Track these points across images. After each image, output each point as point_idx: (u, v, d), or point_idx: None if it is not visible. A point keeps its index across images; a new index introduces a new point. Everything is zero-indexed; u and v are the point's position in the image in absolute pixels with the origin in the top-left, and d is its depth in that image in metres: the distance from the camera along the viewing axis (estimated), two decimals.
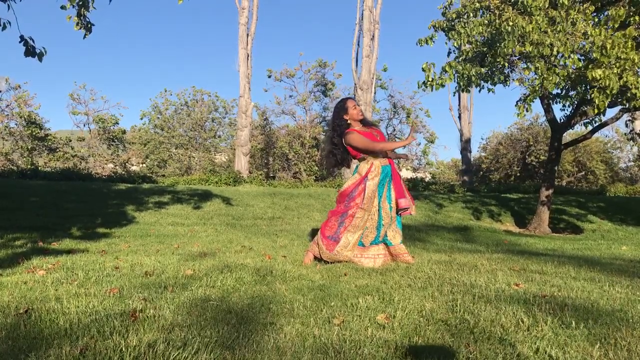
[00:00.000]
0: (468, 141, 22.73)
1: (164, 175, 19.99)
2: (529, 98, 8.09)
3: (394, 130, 26.11)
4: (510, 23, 7.23)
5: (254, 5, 18.18)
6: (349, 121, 4.14)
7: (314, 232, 6.13)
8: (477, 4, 8.27)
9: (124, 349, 1.80)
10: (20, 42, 5.12)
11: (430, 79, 8.28)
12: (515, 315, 2.29)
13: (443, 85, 8.41)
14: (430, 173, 26.80)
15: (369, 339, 2.00)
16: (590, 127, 10.66)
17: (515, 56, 8.40)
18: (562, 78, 7.49)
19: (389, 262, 4.13)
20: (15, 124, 18.66)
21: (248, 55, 17.84)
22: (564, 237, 9.54)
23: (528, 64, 7.96)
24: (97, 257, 4.21)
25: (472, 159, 24.16)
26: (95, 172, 17.41)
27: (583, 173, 23.71)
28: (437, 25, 9.07)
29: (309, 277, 3.34)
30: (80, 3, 5.83)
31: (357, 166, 4.17)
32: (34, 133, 18.35)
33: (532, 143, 23.65)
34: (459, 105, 22.92)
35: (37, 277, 3.12)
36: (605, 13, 7.92)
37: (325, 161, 4.34)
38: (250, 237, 6.76)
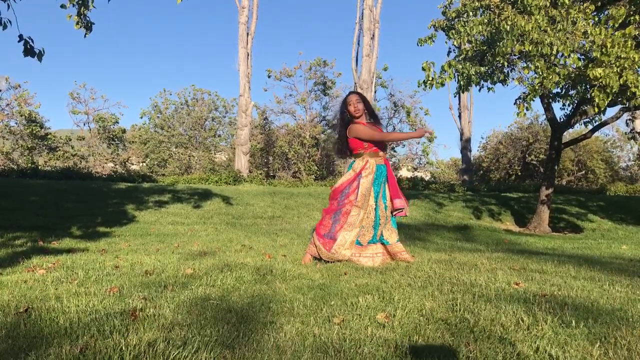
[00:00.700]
0: (468, 140, 22.73)
1: (164, 175, 19.98)
2: (528, 97, 8.09)
3: (394, 129, 26.10)
4: (509, 22, 7.22)
5: (254, 5, 18.17)
6: (350, 115, 4.18)
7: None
8: (477, 3, 8.26)
9: (124, 348, 1.80)
10: (19, 41, 5.12)
11: (430, 78, 8.28)
12: (515, 315, 2.29)
13: (443, 85, 8.41)
14: (430, 172, 26.80)
15: (369, 338, 2.00)
16: (590, 126, 10.67)
17: (515, 55, 8.40)
18: (562, 77, 7.48)
19: (388, 261, 4.13)
20: (16, 123, 18.65)
21: (248, 55, 17.83)
22: (564, 236, 9.54)
23: (528, 63, 7.95)
24: (97, 256, 4.21)
25: (472, 158, 24.16)
26: (95, 171, 17.41)
27: (583, 172, 23.70)
28: (437, 25, 9.07)
29: (309, 276, 3.34)
30: (80, 2, 5.83)
31: (351, 163, 4.19)
32: (34, 132, 18.34)
33: (532, 142, 23.65)
34: (459, 104, 22.91)
35: (37, 276, 3.12)
36: (606, 12, 7.92)
37: (336, 148, 4.40)
38: (250, 236, 6.77)
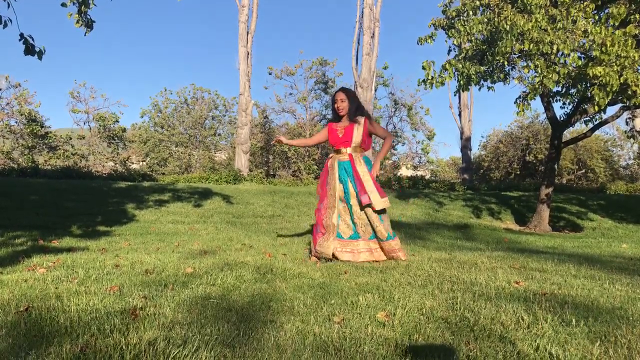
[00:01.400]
0: (468, 139, 22.73)
1: (164, 174, 19.98)
2: (528, 96, 8.08)
3: (395, 128, 26.11)
4: (509, 21, 7.22)
5: (254, 3, 18.16)
6: (337, 114, 4.35)
7: None
8: (477, 2, 8.26)
9: (124, 347, 1.80)
10: (20, 40, 5.12)
11: (430, 77, 8.27)
12: (516, 313, 2.29)
13: (443, 84, 8.39)
14: (430, 171, 26.80)
15: (369, 337, 2.00)
16: (590, 125, 10.66)
17: (515, 54, 8.39)
18: (562, 76, 7.48)
19: (377, 259, 4.12)
20: (16, 122, 18.65)
21: (248, 53, 17.82)
22: (564, 235, 9.54)
23: (528, 62, 7.95)
24: (98, 255, 4.21)
25: (472, 157, 24.16)
26: (95, 171, 17.40)
27: (583, 171, 23.70)
28: (437, 24, 9.06)
29: (309, 275, 3.34)
30: (81, 0, 5.83)
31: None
32: (34, 131, 18.34)
33: (532, 141, 23.64)
34: (459, 103, 22.91)
35: (37, 275, 3.12)
36: (606, 11, 7.91)
37: None
38: (251, 235, 6.77)
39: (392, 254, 4.15)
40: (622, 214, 11.27)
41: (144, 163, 23.75)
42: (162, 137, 24.47)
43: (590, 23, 7.32)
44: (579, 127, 19.22)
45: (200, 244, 5.39)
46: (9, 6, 5.23)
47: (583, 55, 7.86)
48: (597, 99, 7.15)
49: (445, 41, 9.04)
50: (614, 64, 7.00)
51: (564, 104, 9.67)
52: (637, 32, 7.36)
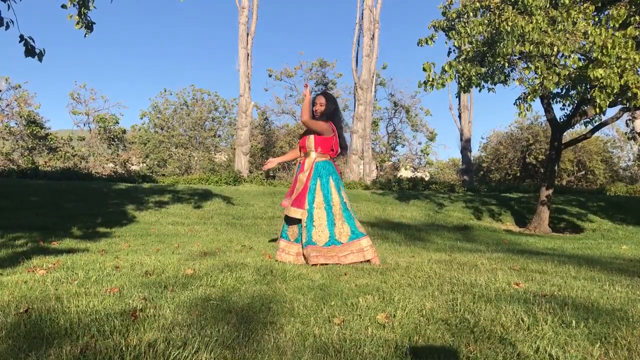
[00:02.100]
0: (468, 141, 22.73)
1: (164, 175, 19.99)
2: (529, 97, 8.09)
3: (395, 129, 26.14)
4: (510, 23, 7.22)
5: (254, 5, 18.18)
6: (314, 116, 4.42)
7: None
8: (477, 4, 8.26)
9: (124, 349, 1.80)
10: (20, 41, 5.12)
11: (430, 79, 8.27)
12: (516, 315, 2.29)
13: (444, 85, 8.40)
14: (429, 172, 26.82)
15: (369, 339, 2.00)
16: (590, 127, 10.66)
17: (515, 56, 8.40)
18: (562, 77, 7.48)
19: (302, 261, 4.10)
20: (16, 124, 18.66)
21: (248, 55, 17.84)
22: (564, 236, 9.53)
23: (528, 63, 7.96)
24: (97, 256, 4.21)
25: (472, 159, 24.16)
26: (95, 172, 17.41)
27: (583, 172, 23.70)
28: (437, 25, 9.07)
29: (309, 276, 3.34)
30: (81, 2, 5.84)
31: None
32: (34, 132, 18.35)
33: (532, 142, 23.64)
34: (459, 104, 22.91)
35: (37, 276, 3.12)
36: (606, 12, 7.92)
37: None
38: (251, 237, 6.77)
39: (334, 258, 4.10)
40: (622, 215, 11.26)
41: (144, 164, 23.75)
42: (162, 139, 24.48)
43: (591, 25, 7.33)
44: (579, 129, 19.20)
45: (200, 245, 5.39)
46: (9, 8, 5.24)
47: (583, 57, 7.87)
48: (597, 100, 7.16)
49: (446, 43, 9.05)
50: (614, 65, 7.01)
51: (564, 105, 9.68)
52: (638, 33, 7.36)
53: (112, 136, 21.50)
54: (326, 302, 2.56)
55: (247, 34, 17.85)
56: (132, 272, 3.38)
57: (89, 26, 6.11)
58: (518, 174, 24.11)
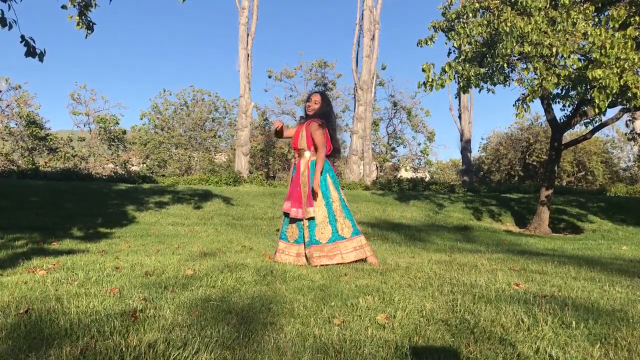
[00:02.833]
0: (468, 141, 22.74)
1: (164, 175, 19.99)
2: (527, 98, 8.09)
3: (394, 130, 26.14)
4: (509, 24, 7.23)
5: (254, 5, 18.19)
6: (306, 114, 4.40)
7: None
8: (477, 5, 8.27)
9: (124, 349, 1.80)
10: (21, 42, 5.13)
11: (430, 80, 8.28)
12: (516, 315, 2.29)
13: (443, 86, 8.41)
14: (429, 172, 26.82)
15: (369, 339, 2.00)
16: (590, 127, 10.66)
17: (515, 56, 8.40)
18: (561, 78, 7.49)
19: (304, 263, 4.07)
20: (16, 124, 18.67)
21: (248, 55, 17.84)
22: (564, 237, 9.53)
23: (527, 64, 7.96)
24: (98, 257, 4.21)
25: (472, 159, 24.17)
26: (95, 172, 17.41)
27: (583, 173, 23.71)
28: (437, 26, 9.07)
29: (309, 277, 3.34)
30: (83, 3, 5.85)
31: None
32: (34, 133, 18.36)
33: (532, 143, 23.65)
34: (459, 105, 22.92)
35: (37, 277, 3.12)
36: (606, 13, 7.93)
37: None
38: (251, 237, 6.77)
39: (310, 259, 4.08)
40: (622, 216, 11.26)
41: (144, 165, 23.75)
42: (162, 139, 24.48)
43: (590, 25, 7.33)
44: (579, 129, 19.21)
45: (200, 246, 5.39)
46: (9, 8, 5.24)
47: (583, 58, 7.87)
48: (597, 101, 7.16)
49: (445, 43, 9.05)
50: (613, 66, 7.01)
51: (563, 106, 9.68)
52: (637, 34, 7.37)
53: (112, 137, 21.51)
54: (326, 303, 2.56)
55: (247, 34, 17.85)
56: (132, 272, 3.38)
57: (90, 26, 6.12)
58: (519, 175, 24.11)
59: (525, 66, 8.08)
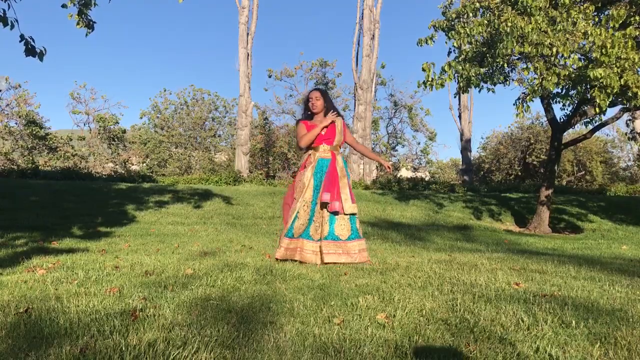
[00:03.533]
0: (468, 141, 22.73)
1: (164, 175, 19.98)
2: (528, 98, 8.09)
3: (395, 129, 26.13)
4: (509, 24, 7.22)
5: (254, 5, 18.18)
6: (310, 112, 4.26)
7: None
8: (477, 4, 8.26)
9: (124, 348, 1.80)
10: (20, 41, 5.12)
11: (430, 79, 8.28)
12: (516, 315, 2.29)
13: (443, 85, 8.41)
14: (430, 172, 26.81)
15: (369, 338, 2.00)
16: (590, 127, 10.66)
17: (515, 56, 8.40)
18: (562, 78, 7.48)
19: (332, 261, 3.95)
20: (15, 123, 18.66)
21: (248, 55, 17.83)
22: (564, 236, 9.54)
23: (528, 64, 7.95)
24: (97, 256, 4.21)
25: (472, 159, 24.16)
26: (95, 172, 17.41)
27: (583, 173, 23.71)
28: (437, 25, 9.07)
29: (309, 276, 3.34)
30: (82, 2, 5.84)
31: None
32: (34, 132, 18.34)
33: (532, 142, 23.64)
34: (459, 104, 22.91)
35: (37, 276, 3.12)
36: (606, 13, 7.93)
37: (295, 142, 4.51)
38: (251, 237, 6.77)
39: (355, 256, 4.00)
40: (622, 215, 11.26)
41: (144, 164, 23.74)
42: (162, 139, 24.47)
43: (591, 25, 7.33)
44: (579, 129, 19.21)
45: (200, 245, 5.39)
46: (9, 7, 5.23)
47: (583, 57, 7.87)
48: (597, 100, 7.16)
49: (445, 43, 9.05)
50: (614, 65, 7.01)
51: (564, 105, 9.68)
52: (637, 33, 7.37)
53: (112, 136, 21.49)
54: (326, 302, 2.56)
55: (247, 33, 17.85)
56: (132, 272, 3.38)
57: (90, 25, 6.11)
58: (519, 174, 24.10)
59: (525, 66, 8.07)
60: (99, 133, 21.19)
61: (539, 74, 7.61)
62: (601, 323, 2.18)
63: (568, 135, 19.44)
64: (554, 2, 7.67)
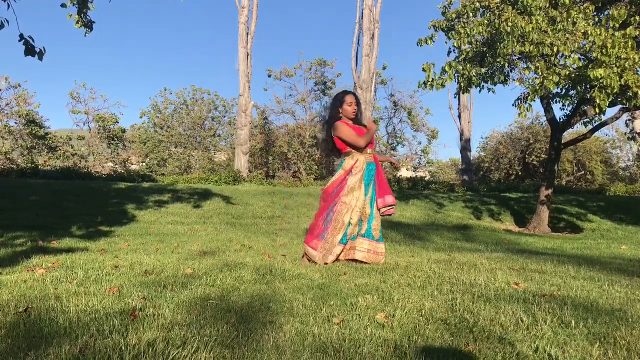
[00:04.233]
0: (468, 141, 22.73)
1: (163, 174, 19.99)
2: (529, 98, 8.09)
3: (395, 129, 26.13)
4: (510, 24, 7.22)
5: (254, 4, 18.18)
6: (341, 114, 4.11)
7: None
8: (477, 4, 8.26)
9: (123, 348, 1.80)
10: (20, 41, 5.12)
11: (430, 79, 8.28)
12: (515, 315, 2.29)
13: (443, 86, 8.41)
14: (430, 172, 26.81)
15: (368, 338, 2.00)
16: (590, 127, 10.67)
17: (515, 56, 8.40)
18: (562, 77, 7.48)
19: (369, 259, 3.99)
20: (15, 123, 18.64)
21: (248, 55, 17.83)
22: (563, 236, 9.54)
23: (528, 63, 7.96)
24: (97, 256, 4.21)
25: (472, 159, 24.17)
26: (95, 171, 17.40)
27: (583, 173, 23.71)
28: (437, 25, 9.07)
29: (308, 276, 3.34)
30: (81, 2, 5.84)
31: (341, 162, 4.13)
32: (34, 132, 18.33)
33: (532, 142, 23.63)
34: (459, 104, 22.91)
35: (36, 276, 3.12)
36: (606, 13, 7.93)
37: (323, 146, 4.32)
38: (250, 236, 6.77)
39: (376, 256, 4.04)
40: (622, 215, 11.27)
41: (144, 164, 23.73)
42: (161, 138, 24.46)
43: (591, 25, 7.33)
44: (579, 129, 19.22)
45: (200, 245, 5.39)
46: (9, 7, 5.23)
47: (583, 57, 7.87)
48: (598, 100, 7.16)
49: (446, 43, 9.05)
50: (614, 65, 7.01)
51: (563, 105, 9.68)
52: (638, 34, 7.37)
53: (111, 136, 21.48)
54: (326, 302, 2.56)
55: (247, 33, 17.84)
56: (132, 271, 3.38)
57: (89, 25, 6.12)
58: (518, 174, 24.10)
59: (526, 66, 8.07)
60: (98, 133, 21.18)
61: (540, 73, 7.61)
62: (601, 323, 2.18)
63: (568, 135, 19.43)
64: (554, 2, 7.67)
